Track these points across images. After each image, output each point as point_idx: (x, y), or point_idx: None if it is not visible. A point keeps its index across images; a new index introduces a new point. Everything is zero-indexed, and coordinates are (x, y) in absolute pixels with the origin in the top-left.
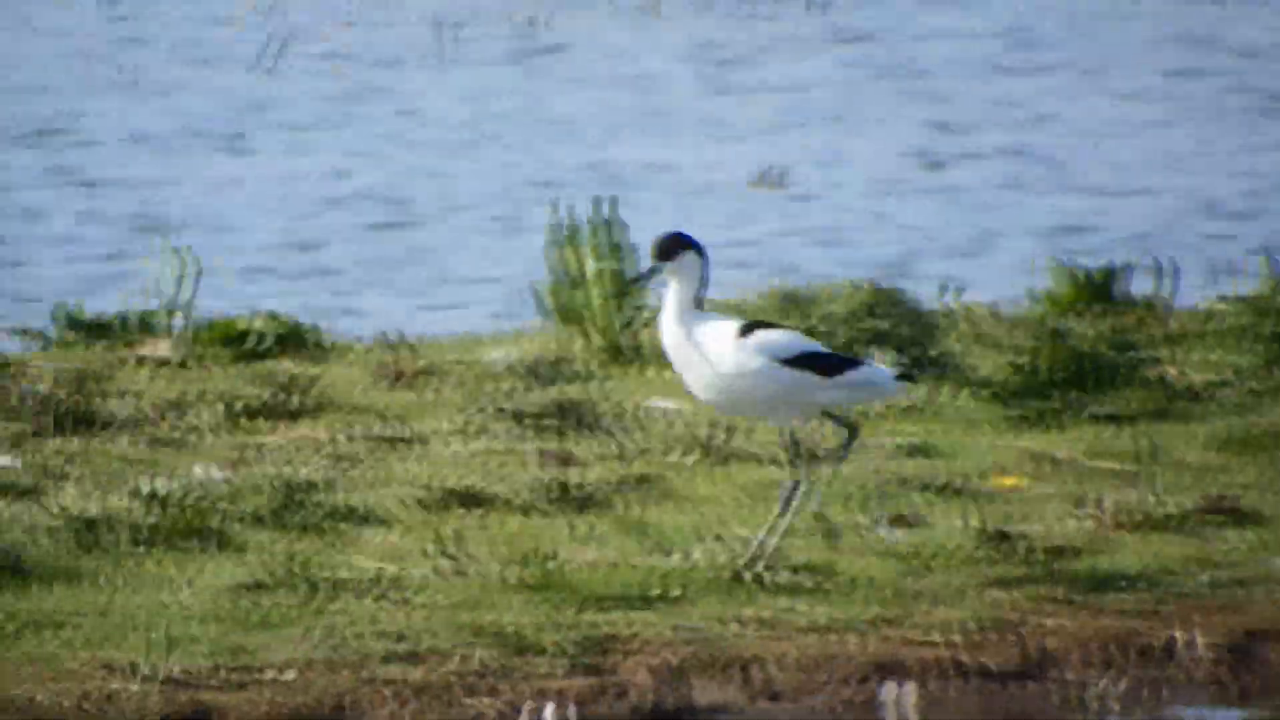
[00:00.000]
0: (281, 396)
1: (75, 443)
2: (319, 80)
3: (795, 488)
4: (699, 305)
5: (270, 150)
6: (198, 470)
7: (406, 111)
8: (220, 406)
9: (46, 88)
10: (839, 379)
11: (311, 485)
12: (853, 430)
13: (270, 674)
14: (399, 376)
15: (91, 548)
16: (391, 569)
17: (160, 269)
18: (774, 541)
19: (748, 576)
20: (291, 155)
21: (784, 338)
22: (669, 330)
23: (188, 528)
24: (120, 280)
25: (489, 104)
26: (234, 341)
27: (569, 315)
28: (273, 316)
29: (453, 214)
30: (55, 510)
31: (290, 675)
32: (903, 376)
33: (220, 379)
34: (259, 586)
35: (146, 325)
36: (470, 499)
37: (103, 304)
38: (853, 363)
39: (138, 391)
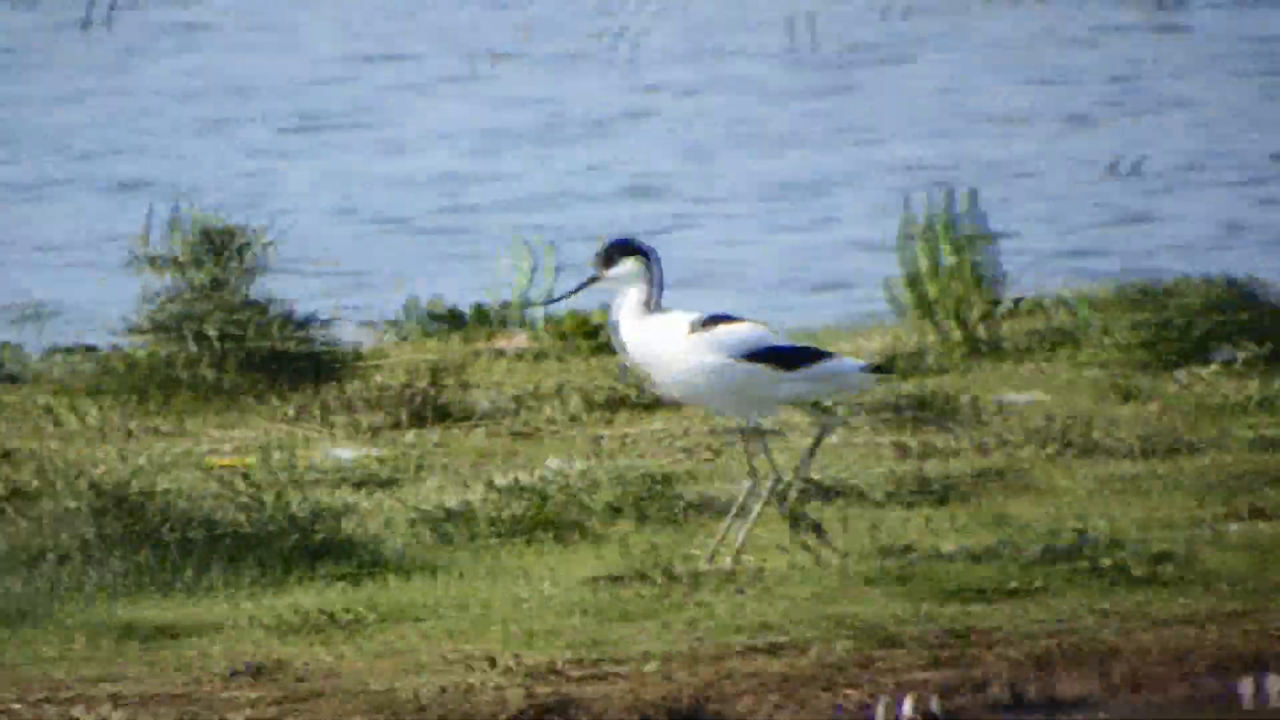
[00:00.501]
0: (637, 388)
1: (433, 435)
2: (640, 73)
3: (753, 488)
4: (655, 307)
5: (573, 147)
6: (556, 462)
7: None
8: (578, 398)
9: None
10: (801, 372)
11: (670, 477)
12: (824, 427)
13: (630, 666)
14: None
15: (450, 540)
16: (751, 561)
17: (515, 262)
18: (738, 541)
19: (710, 565)
20: (595, 150)
21: (739, 332)
22: (624, 332)
23: (546, 520)
24: (475, 273)
25: (824, 100)
26: (590, 333)
27: (925, 308)
28: None
29: (802, 208)
30: (413, 502)
31: (650, 667)
32: (875, 369)
33: (577, 371)
34: (618, 578)
35: (502, 317)
36: (829, 491)
37: (459, 296)
38: (816, 355)
39: (495, 383)
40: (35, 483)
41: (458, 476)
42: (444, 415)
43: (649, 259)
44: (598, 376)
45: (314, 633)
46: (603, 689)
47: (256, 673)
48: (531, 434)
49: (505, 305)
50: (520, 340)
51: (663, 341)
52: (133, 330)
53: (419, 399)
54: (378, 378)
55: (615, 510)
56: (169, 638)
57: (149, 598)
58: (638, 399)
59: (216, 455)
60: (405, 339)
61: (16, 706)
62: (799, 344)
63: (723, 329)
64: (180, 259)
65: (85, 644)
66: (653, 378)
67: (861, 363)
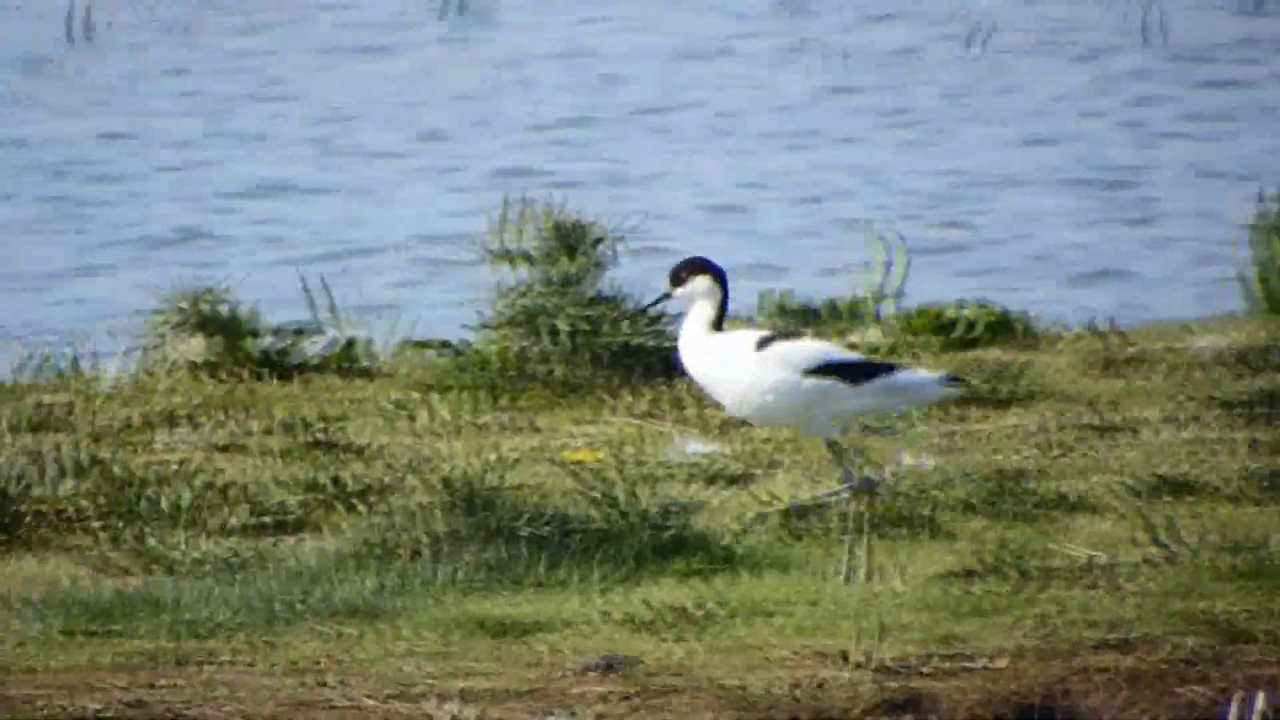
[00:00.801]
0: (992, 384)
1: (785, 430)
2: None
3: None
4: (718, 327)
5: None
6: (908, 458)
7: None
8: None
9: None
10: (868, 386)
11: (1022, 473)
12: (865, 481)
13: (981, 662)
14: (1108, 364)
15: (802, 535)
16: (1103, 556)
17: (868, 257)
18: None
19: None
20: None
21: (805, 348)
22: (687, 351)
23: (898, 515)
24: (826, 267)
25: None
26: (943, 329)
27: (1276, 303)
28: (981, 304)
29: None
30: (766, 498)
31: (1001, 663)
32: (949, 380)
33: (930, 366)
34: (970, 574)
35: (855, 312)
36: (1181, 487)
37: (810, 291)
38: (884, 369)
39: None
40: (387, 478)
41: (809, 472)
42: None
43: (719, 278)
44: (950, 371)
45: (666, 628)
46: (954, 684)
47: (608, 668)
48: (884, 429)
49: (856, 300)
50: (872, 335)
51: (729, 359)
52: (485, 325)
53: None
54: None
55: (968, 506)
56: (520, 633)
57: (500, 593)
58: (990, 395)
59: (568, 451)
60: None
61: (369, 702)
62: (866, 358)
63: (789, 344)
64: (533, 254)
65: (436, 639)
66: (717, 395)
67: (935, 374)
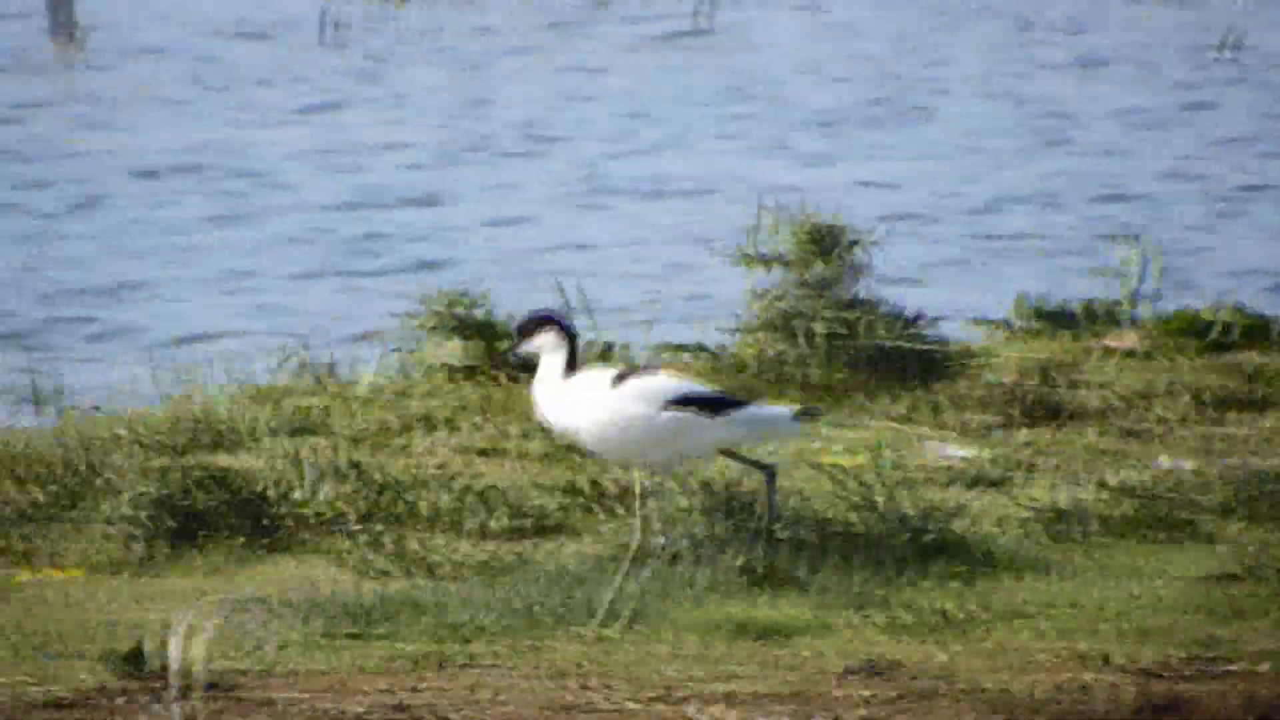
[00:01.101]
0: (1248, 387)
1: (1043, 433)
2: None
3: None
4: (571, 371)
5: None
6: (1165, 461)
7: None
8: (1187, 397)
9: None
10: (725, 418)
11: None
12: (769, 472)
13: (1242, 665)
14: None
15: (1061, 538)
16: None
17: (1124, 261)
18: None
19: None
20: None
21: (661, 382)
22: (540, 399)
23: (1157, 518)
24: (1084, 271)
25: None
26: (1198, 332)
27: None
28: (1238, 308)
29: None
30: (1024, 501)
31: (1263, 667)
32: (803, 414)
33: (1186, 370)
34: (1230, 577)
35: (1111, 316)
36: None
37: (1067, 294)
38: (739, 402)
39: (1104, 382)
40: (645, 482)
41: (1069, 475)
42: (1055, 414)
43: (564, 331)
44: (1208, 375)
45: (927, 631)
46: (1216, 688)
47: (870, 671)
48: (1142, 433)
49: (1115, 304)
50: (1130, 339)
51: (586, 399)
52: (741, 328)
53: (1030, 397)
54: (988, 376)
55: (1227, 509)
56: (781, 636)
57: (760, 596)
58: (1249, 397)
59: (827, 454)
60: (1013, 337)
61: (631, 705)
62: (720, 392)
63: (645, 379)
64: (789, 258)
65: (697, 642)
66: (580, 437)
67: (788, 408)
